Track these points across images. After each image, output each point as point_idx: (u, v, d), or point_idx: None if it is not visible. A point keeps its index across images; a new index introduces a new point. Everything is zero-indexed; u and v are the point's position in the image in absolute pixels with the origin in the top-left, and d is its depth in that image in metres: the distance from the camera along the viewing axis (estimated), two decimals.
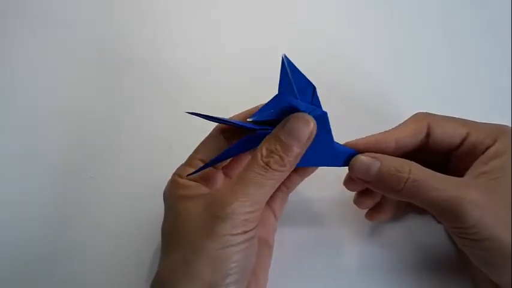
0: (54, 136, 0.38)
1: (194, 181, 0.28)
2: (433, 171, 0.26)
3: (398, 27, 0.40)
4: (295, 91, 0.26)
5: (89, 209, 0.35)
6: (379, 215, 0.32)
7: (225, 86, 0.39)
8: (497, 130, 0.28)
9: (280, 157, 0.25)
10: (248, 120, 0.26)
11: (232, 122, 0.27)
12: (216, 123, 0.30)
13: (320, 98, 0.27)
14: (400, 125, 0.30)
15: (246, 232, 0.25)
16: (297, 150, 0.26)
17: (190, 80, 0.39)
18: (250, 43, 0.41)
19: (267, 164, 0.25)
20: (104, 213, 0.35)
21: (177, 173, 0.29)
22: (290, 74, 0.26)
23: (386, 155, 0.28)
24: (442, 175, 0.26)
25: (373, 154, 0.28)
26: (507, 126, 0.28)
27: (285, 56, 0.26)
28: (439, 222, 0.31)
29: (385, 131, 0.29)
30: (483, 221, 0.24)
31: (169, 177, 0.29)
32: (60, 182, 0.36)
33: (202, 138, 0.30)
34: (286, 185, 0.31)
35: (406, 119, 0.30)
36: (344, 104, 0.37)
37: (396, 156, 0.28)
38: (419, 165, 0.26)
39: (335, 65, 0.39)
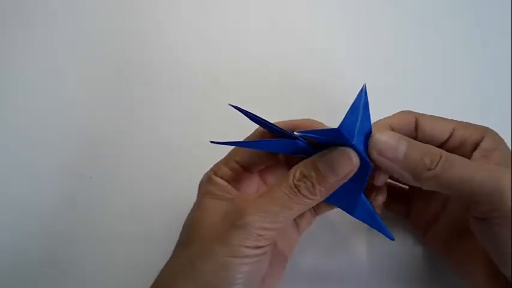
0: (54, 136, 0.38)
1: (226, 181, 0.28)
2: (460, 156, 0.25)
3: (385, 27, 0.40)
4: (355, 132, 0.25)
5: (88, 209, 0.35)
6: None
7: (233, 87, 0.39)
8: (482, 128, 0.28)
9: (312, 185, 0.24)
10: (295, 133, 0.25)
11: (276, 127, 0.26)
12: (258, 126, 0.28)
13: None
14: (386, 118, 0.29)
15: (258, 247, 0.24)
16: (332, 183, 0.25)
17: (195, 80, 0.39)
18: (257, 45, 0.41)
19: (297, 187, 0.25)
20: (103, 213, 0.35)
21: (213, 169, 0.29)
22: (361, 111, 0.25)
23: (404, 136, 0.26)
24: (470, 160, 0.26)
25: (393, 132, 0.26)
26: (488, 127, 0.28)
27: (365, 88, 0.26)
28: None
29: (377, 121, 0.28)
30: None
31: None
32: (60, 182, 0.36)
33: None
34: (314, 209, 0.31)
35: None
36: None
37: None
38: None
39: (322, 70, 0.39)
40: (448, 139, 0.28)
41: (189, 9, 0.42)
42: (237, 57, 0.40)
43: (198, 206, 0.27)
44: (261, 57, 0.39)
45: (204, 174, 0.29)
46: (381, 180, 0.28)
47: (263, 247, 0.25)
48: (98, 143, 0.37)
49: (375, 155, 0.25)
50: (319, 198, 0.25)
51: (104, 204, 0.35)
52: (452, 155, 0.25)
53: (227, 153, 0.29)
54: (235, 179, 0.28)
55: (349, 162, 0.25)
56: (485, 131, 0.27)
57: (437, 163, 0.24)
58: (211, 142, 0.25)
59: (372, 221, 0.27)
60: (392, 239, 0.27)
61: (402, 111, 0.29)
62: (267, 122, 0.26)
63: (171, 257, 0.27)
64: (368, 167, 0.25)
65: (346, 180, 0.25)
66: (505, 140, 0.28)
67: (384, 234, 0.27)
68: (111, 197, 0.36)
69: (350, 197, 0.27)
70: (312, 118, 0.29)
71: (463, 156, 0.26)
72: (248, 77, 0.39)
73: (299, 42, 0.40)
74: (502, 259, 0.25)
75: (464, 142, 0.27)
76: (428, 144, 0.26)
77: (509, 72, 0.38)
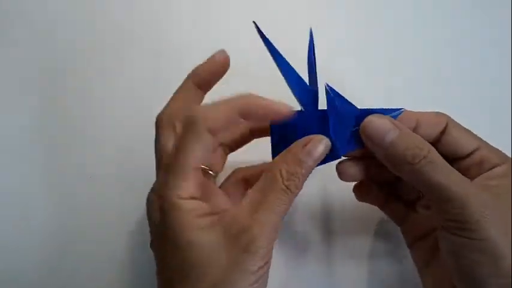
0: (53, 135, 0.38)
1: (194, 198, 0.25)
2: (447, 163, 0.25)
3: (387, 27, 0.40)
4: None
5: (88, 209, 0.35)
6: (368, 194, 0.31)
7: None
8: (506, 156, 0.27)
9: (298, 179, 0.24)
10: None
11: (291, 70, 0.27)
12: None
13: None
14: (418, 112, 0.28)
15: (267, 262, 0.24)
16: (311, 170, 0.25)
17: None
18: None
19: (288, 187, 0.24)
20: (103, 213, 0.35)
21: (176, 193, 0.24)
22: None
23: (404, 126, 0.26)
24: (454, 169, 0.25)
25: (391, 119, 0.26)
26: None
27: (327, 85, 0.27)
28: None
29: (407, 111, 0.28)
30: (487, 220, 0.23)
31: None
32: (59, 181, 0.36)
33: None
34: None
35: None
36: None
37: None
38: (435, 150, 0.25)
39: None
40: (468, 155, 0.27)
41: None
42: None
43: (181, 244, 0.24)
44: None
45: (155, 198, 0.25)
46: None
47: (270, 259, 0.24)
48: (98, 142, 0.37)
49: (363, 137, 0.26)
50: (300, 189, 0.25)
51: (103, 203, 0.36)
52: (438, 157, 0.25)
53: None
54: (204, 192, 0.25)
55: (323, 144, 0.25)
56: (508, 159, 0.27)
57: (420, 160, 0.24)
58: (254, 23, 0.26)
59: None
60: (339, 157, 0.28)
61: (437, 112, 0.28)
62: (283, 60, 0.26)
63: None
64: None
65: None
66: (505, 141, 0.28)
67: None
68: (111, 196, 0.36)
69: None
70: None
71: (475, 174, 0.26)
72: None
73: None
74: (464, 275, 0.24)
75: (484, 163, 0.27)
76: (419, 137, 0.26)
77: (509, 72, 0.38)
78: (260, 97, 0.26)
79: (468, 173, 0.27)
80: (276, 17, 0.40)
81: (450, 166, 0.25)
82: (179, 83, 0.33)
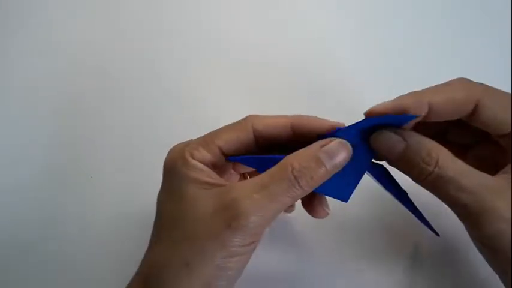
0: (53, 135, 0.38)
1: (207, 166, 0.25)
2: (463, 164, 0.24)
3: (390, 25, 0.41)
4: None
5: (89, 209, 0.35)
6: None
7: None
8: None
9: (311, 177, 0.24)
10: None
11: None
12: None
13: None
14: (439, 86, 0.26)
15: (253, 242, 0.24)
16: (328, 174, 0.24)
17: (193, 80, 0.39)
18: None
19: (297, 179, 0.23)
20: (103, 213, 0.35)
21: (190, 151, 0.25)
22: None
23: (414, 133, 0.25)
24: (472, 170, 0.24)
25: (398, 131, 0.25)
26: None
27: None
28: None
29: (419, 91, 0.25)
30: (505, 233, 0.22)
31: None
32: (60, 182, 0.36)
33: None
34: None
35: None
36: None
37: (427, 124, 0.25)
38: (449, 154, 0.24)
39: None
40: (507, 134, 0.25)
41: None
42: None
43: (180, 195, 0.25)
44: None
45: (175, 151, 0.26)
46: None
47: (257, 241, 0.24)
48: (98, 142, 0.37)
49: (375, 150, 0.25)
50: (311, 189, 0.24)
51: (104, 203, 0.35)
52: (450, 165, 0.24)
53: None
54: (215, 165, 0.26)
55: (346, 150, 0.25)
56: None
57: (426, 177, 0.24)
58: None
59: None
60: (438, 235, 0.27)
61: (464, 84, 0.25)
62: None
63: (157, 248, 0.25)
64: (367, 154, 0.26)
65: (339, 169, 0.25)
66: None
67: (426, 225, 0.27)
68: (111, 196, 0.36)
69: (344, 182, 0.26)
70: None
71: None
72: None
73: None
74: (498, 274, 0.25)
75: None
76: (428, 146, 0.24)
77: (509, 72, 0.38)
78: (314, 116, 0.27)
79: (506, 152, 0.25)
80: (277, 17, 0.40)
81: (465, 170, 0.23)
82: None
